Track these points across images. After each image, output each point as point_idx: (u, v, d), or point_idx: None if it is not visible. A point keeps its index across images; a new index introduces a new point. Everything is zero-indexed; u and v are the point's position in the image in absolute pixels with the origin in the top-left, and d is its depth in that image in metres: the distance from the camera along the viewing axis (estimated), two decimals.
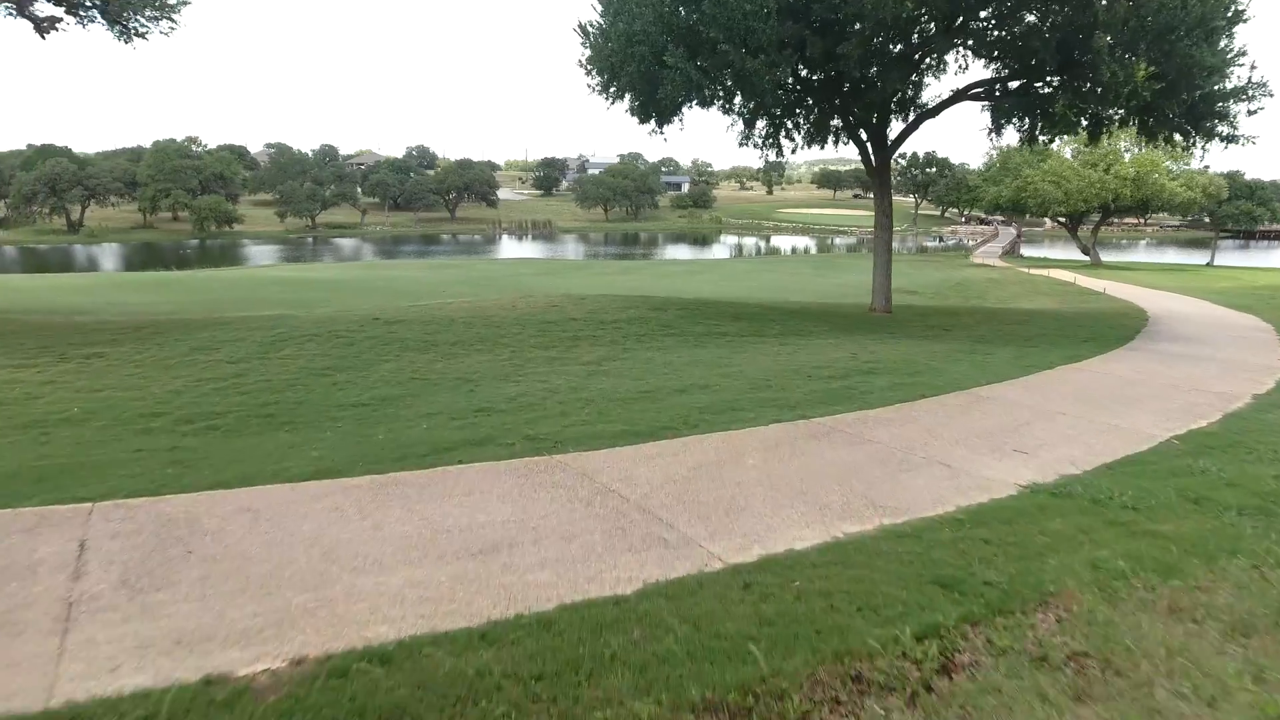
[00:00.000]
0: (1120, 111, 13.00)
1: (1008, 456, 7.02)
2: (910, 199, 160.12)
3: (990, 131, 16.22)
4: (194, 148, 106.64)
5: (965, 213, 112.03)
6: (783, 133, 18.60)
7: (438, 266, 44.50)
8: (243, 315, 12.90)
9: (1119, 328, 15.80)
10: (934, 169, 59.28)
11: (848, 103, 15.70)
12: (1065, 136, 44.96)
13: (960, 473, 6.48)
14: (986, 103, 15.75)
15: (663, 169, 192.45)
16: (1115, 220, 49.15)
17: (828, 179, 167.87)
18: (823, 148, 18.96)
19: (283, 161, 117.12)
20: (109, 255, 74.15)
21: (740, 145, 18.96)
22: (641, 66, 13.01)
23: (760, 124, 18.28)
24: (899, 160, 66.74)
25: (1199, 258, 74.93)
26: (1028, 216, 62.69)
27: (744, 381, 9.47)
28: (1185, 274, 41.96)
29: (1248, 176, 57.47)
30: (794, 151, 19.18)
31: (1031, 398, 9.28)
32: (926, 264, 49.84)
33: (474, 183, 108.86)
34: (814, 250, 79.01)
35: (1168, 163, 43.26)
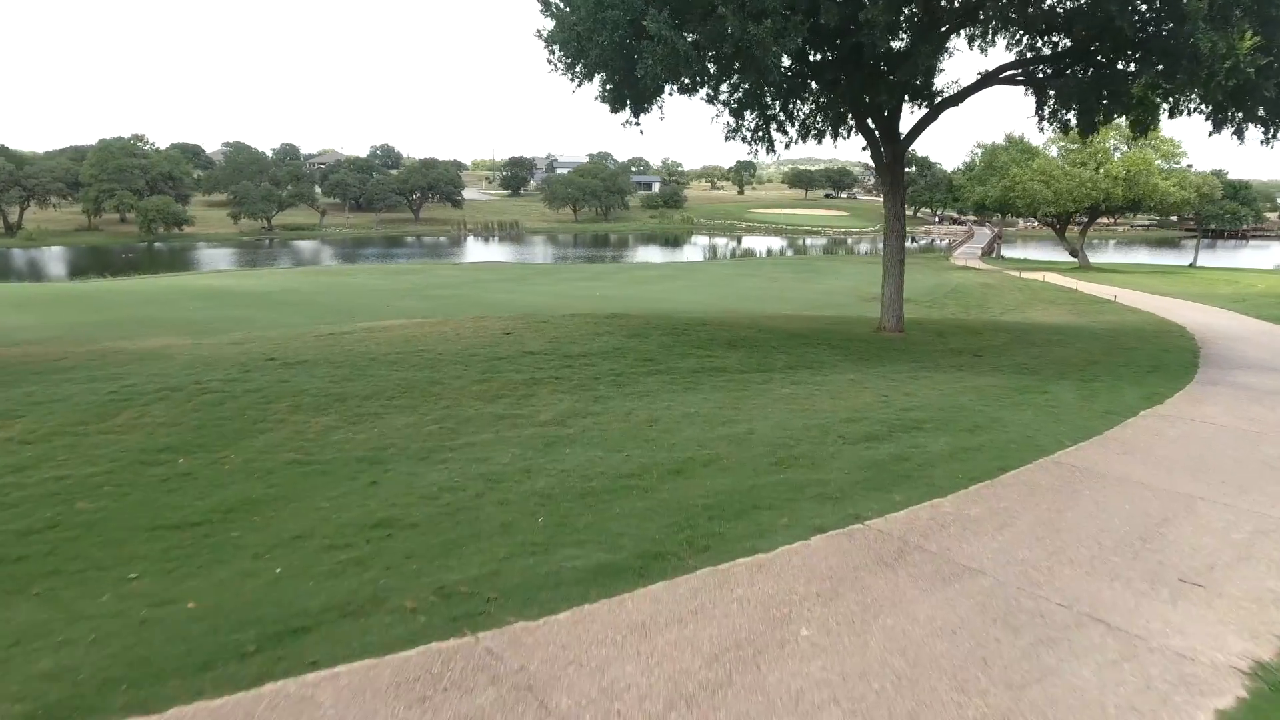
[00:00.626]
0: (1200, 94, 10.71)
1: (1180, 594, 4.64)
2: (878, 198, 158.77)
3: (1038, 120, 13.87)
4: (142, 146, 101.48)
5: (938, 212, 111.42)
6: (774, 125, 16.27)
7: (394, 273, 41.60)
8: (106, 349, 10.13)
9: (1172, 350, 13.63)
10: (913, 168, 56.67)
11: (861, 86, 13.31)
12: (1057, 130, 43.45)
13: (1135, 642, 4.06)
14: (1027, 87, 13.42)
15: (633, 169, 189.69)
16: (1087, 219, 47.53)
17: (799, 179, 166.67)
18: (819, 142, 16.64)
19: (239, 160, 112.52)
20: (49, 259, 69.94)
21: (727, 139, 16.55)
22: (615, 36, 10.48)
23: (749, 115, 15.96)
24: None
25: (1172, 257, 74.47)
26: (1004, 216, 60.96)
27: (760, 449, 7.01)
28: (1179, 277, 40.45)
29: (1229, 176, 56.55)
30: (787, 146, 16.88)
31: (1143, 469, 6.93)
32: (909, 266, 47.89)
33: (438, 182, 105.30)
34: (789, 252, 77.03)
35: (1158, 161, 41.68)
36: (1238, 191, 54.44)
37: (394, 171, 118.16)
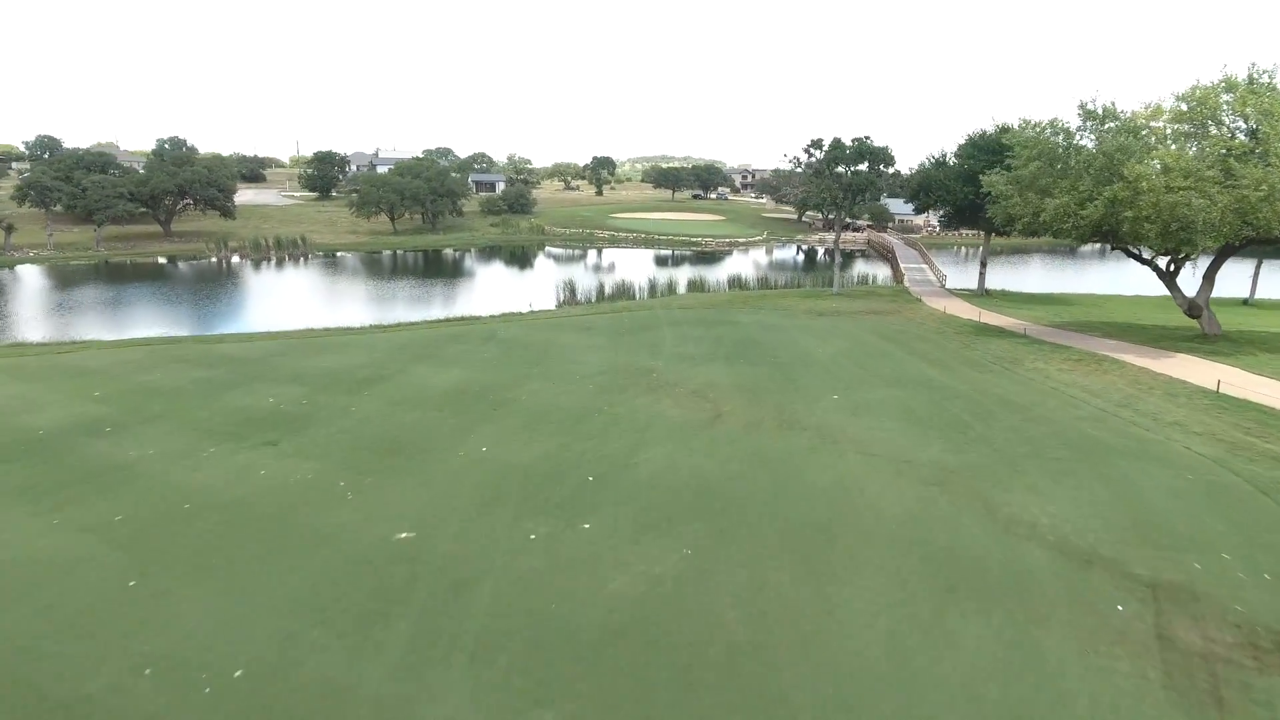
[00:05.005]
0: None
1: None
2: (753, 200, 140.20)
3: None
4: None
5: (832, 217, 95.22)
6: None
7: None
8: None
9: None
10: (868, 163, 38.00)
11: None
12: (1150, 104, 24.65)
13: None
14: None
15: (475, 165, 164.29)
16: (1216, 256, 27.54)
17: (663, 178, 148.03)
18: None
19: None
20: None
21: None
22: None
23: None
24: (809, 152, 44.96)
25: (1117, 279, 60.12)
26: (899, 220, 43.04)
27: None
28: None
29: None
30: None
31: None
32: (915, 342, 28.48)
33: (193, 185, 76.85)
34: (680, 284, 55.26)
35: None
36: None
37: (138, 170, 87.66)
